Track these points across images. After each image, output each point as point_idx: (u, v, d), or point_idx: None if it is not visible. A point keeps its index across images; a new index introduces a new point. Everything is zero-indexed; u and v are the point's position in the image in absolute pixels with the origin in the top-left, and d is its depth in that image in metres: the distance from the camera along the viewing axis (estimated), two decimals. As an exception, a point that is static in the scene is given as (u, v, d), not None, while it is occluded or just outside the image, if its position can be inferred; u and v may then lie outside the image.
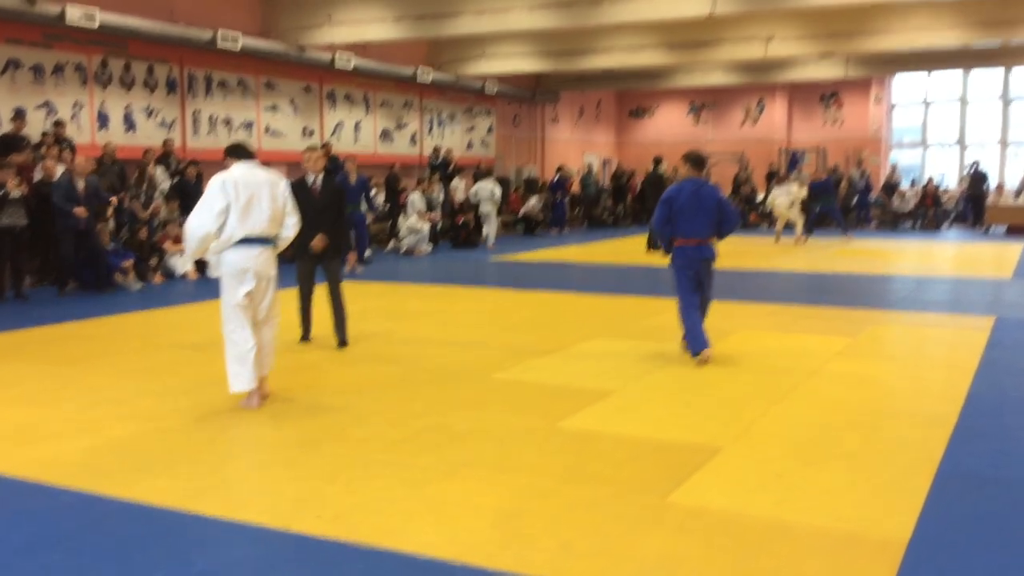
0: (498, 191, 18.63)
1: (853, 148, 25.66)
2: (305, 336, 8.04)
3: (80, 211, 10.86)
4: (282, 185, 5.85)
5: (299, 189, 7.08)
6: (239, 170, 5.68)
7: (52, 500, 4.19)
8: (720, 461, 4.70)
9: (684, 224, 7.14)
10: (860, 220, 22.83)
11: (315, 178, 7.55)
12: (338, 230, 7.68)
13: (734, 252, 16.76)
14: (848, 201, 23.12)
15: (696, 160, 7.35)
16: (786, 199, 18.37)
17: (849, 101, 26.11)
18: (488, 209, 18.30)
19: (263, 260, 5.71)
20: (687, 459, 4.70)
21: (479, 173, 19.90)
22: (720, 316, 9.31)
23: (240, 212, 5.54)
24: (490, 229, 18.28)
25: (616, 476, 4.48)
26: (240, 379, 5.66)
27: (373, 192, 16.30)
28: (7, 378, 6.67)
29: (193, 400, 5.94)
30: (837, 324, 8.86)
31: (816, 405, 5.87)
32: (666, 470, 4.54)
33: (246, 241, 5.61)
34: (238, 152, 5.81)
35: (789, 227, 18.69)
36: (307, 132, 17.69)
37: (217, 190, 5.54)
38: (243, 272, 5.63)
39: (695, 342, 7.08)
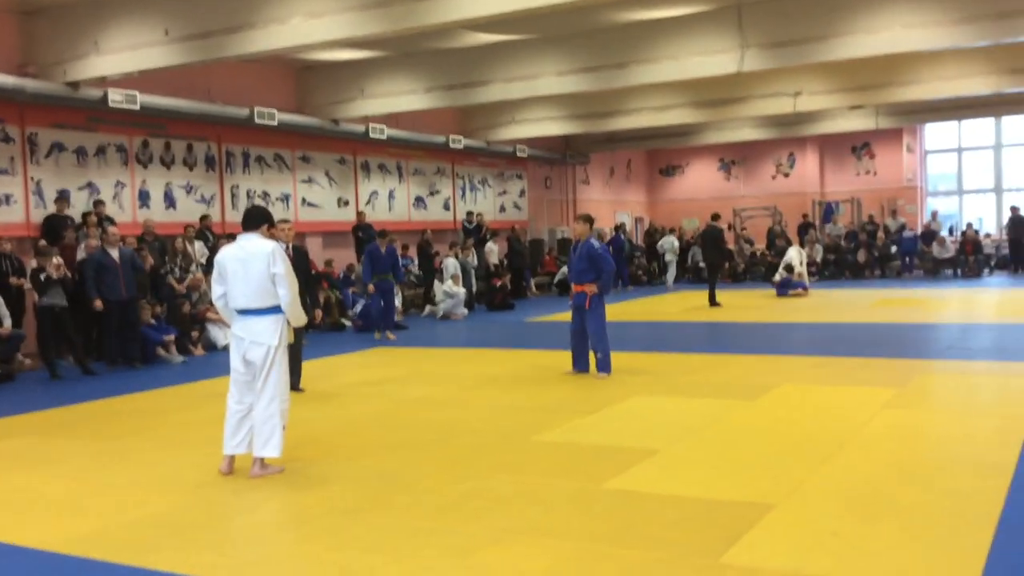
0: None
1: (887, 197, 25.51)
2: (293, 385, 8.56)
3: (98, 303, 11.03)
4: (264, 258, 5.76)
5: None
6: (230, 247, 6.00)
7: (103, 575, 4.18)
8: (773, 519, 4.58)
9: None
10: (904, 269, 22.59)
11: (287, 247, 8.52)
12: (303, 290, 8.34)
13: (772, 306, 16.62)
14: (886, 250, 22.93)
15: (590, 220, 9.56)
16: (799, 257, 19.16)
17: (881, 151, 26.03)
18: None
19: (255, 330, 5.80)
20: (739, 518, 4.59)
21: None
22: (762, 370, 9.21)
23: (228, 283, 5.86)
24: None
25: (666, 537, 4.38)
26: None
27: (405, 262, 16.49)
28: (54, 454, 6.73)
29: (236, 470, 5.93)
30: (883, 375, 8.70)
31: (868, 458, 5.73)
32: (718, 530, 4.43)
33: (240, 312, 5.86)
34: (243, 223, 6.09)
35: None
36: (343, 203, 17.95)
37: (215, 262, 6.00)
38: (236, 339, 5.92)
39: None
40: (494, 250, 19.96)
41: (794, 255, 19.12)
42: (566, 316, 9.56)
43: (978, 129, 25.33)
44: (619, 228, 23.36)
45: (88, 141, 13.43)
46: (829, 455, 5.81)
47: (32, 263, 11.42)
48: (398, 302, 16.01)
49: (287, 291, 5.83)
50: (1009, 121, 24.71)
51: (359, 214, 17.67)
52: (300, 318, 6.05)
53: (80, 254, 12.05)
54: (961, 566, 3.86)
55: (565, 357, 9.57)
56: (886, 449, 5.94)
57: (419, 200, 20.12)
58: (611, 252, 22.29)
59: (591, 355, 9.29)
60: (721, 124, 22.98)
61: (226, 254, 5.93)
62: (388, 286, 13.60)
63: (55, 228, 12.36)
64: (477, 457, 6.14)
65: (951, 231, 23.94)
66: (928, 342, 11.43)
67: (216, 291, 5.98)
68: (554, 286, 21.56)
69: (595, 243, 9.34)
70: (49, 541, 4.66)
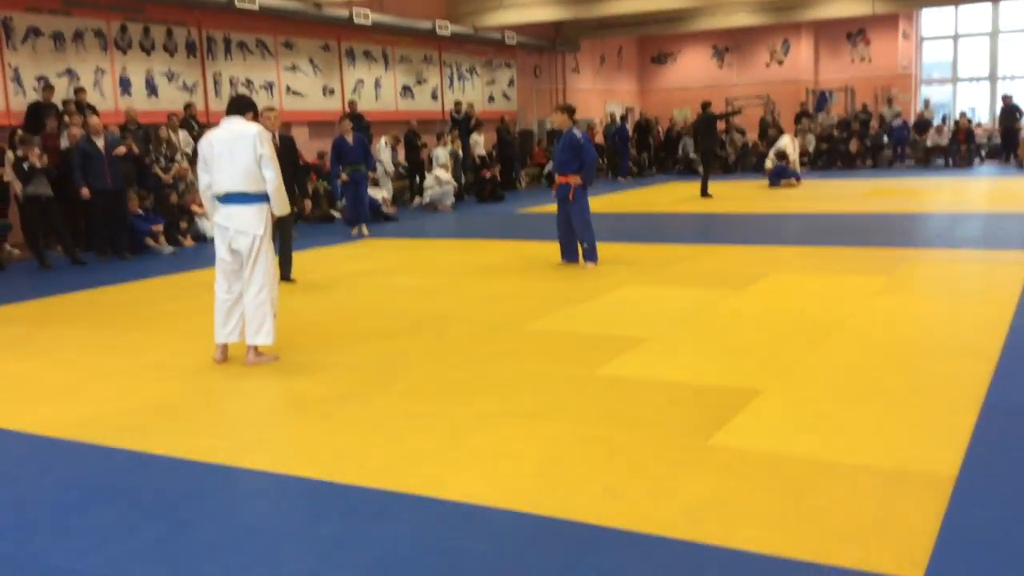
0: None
1: (882, 86, 25.17)
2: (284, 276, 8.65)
3: (84, 192, 10.90)
4: (249, 139, 5.67)
5: None
6: (215, 130, 5.88)
7: (100, 459, 4.24)
8: (761, 403, 4.67)
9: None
10: (896, 158, 22.46)
11: (274, 135, 8.28)
12: (291, 180, 8.23)
13: (763, 197, 16.59)
14: (878, 139, 22.76)
15: (570, 110, 9.29)
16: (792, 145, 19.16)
17: (876, 38, 25.55)
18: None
19: (241, 218, 5.73)
20: (727, 402, 4.67)
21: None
22: (752, 260, 9.25)
23: (213, 169, 5.75)
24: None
25: (657, 420, 4.47)
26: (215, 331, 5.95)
27: (387, 151, 16.25)
28: (48, 343, 6.76)
29: (230, 358, 5.97)
30: (872, 264, 8.75)
31: (855, 344, 5.81)
32: (707, 413, 4.52)
33: (224, 198, 5.76)
34: (227, 108, 5.99)
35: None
36: (328, 91, 17.59)
37: (199, 148, 5.90)
38: (220, 228, 5.82)
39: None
40: (479, 141, 19.69)
41: (787, 142, 18.99)
42: (555, 207, 9.51)
43: (975, 15, 24.83)
44: (623, 118, 23.14)
45: (65, 26, 13.02)
46: (817, 341, 5.89)
47: (8, 154, 11.21)
48: (387, 194, 15.90)
49: (273, 173, 5.72)
50: (1007, 7, 24.20)
51: (350, 103, 17.31)
52: (285, 205, 5.92)
53: (63, 142, 11.84)
54: (945, 447, 3.96)
55: (555, 248, 9.58)
56: (874, 335, 6.02)
57: (406, 89, 19.73)
58: (616, 142, 22.36)
59: (579, 245, 9.29)
60: (714, 9, 22.42)
61: (211, 136, 5.82)
62: (359, 177, 12.88)
63: (40, 116, 12.09)
64: (470, 345, 6.20)
65: (944, 120, 23.74)
66: (918, 231, 11.47)
67: (203, 180, 5.86)
68: (543, 178, 21.40)
69: (576, 133, 9.15)
70: (47, 426, 4.72)
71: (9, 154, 11.14)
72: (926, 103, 24.08)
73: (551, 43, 23.99)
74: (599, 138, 23.42)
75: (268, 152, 5.70)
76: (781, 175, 18.28)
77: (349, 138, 12.76)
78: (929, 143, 22.35)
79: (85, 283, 9.45)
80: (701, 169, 17.16)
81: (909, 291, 7.65)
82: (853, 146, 22.64)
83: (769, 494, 3.54)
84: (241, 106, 5.94)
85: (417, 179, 17.58)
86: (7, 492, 3.91)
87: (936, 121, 23.18)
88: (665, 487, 3.65)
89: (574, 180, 9.05)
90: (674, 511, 3.42)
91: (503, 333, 6.51)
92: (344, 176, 12.80)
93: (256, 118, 6.05)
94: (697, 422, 4.40)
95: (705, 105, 17.32)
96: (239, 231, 5.74)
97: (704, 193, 16.44)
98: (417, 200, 17.27)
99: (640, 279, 8.43)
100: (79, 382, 5.62)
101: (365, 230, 13.06)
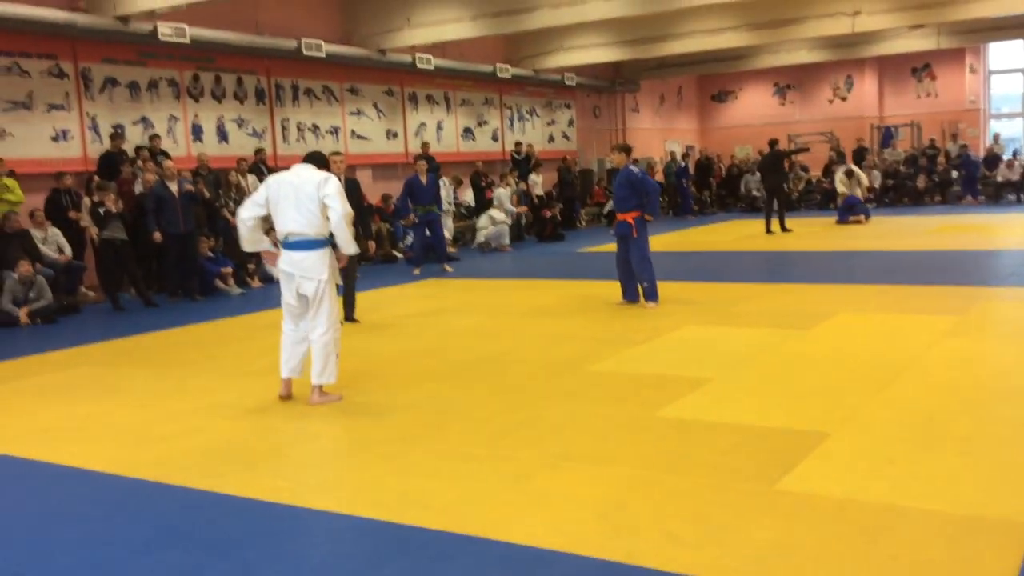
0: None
1: (948, 120, 24.71)
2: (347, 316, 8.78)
3: (157, 236, 11.22)
4: (314, 184, 5.78)
5: None
6: (284, 173, 6.03)
7: (169, 499, 4.33)
8: (828, 447, 4.56)
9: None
10: (966, 194, 21.90)
11: (340, 178, 8.29)
12: (356, 221, 8.18)
13: (829, 234, 16.35)
14: (946, 175, 22.28)
15: (627, 148, 9.42)
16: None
17: (942, 72, 25.15)
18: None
19: (305, 265, 5.85)
20: (793, 446, 4.58)
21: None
22: (817, 298, 9.10)
23: (275, 210, 5.88)
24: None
25: (721, 464, 4.40)
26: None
27: (445, 190, 16.45)
28: (121, 383, 6.94)
29: (295, 397, 6.06)
30: (943, 303, 8.54)
31: (926, 387, 5.66)
32: (772, 457, 4.44)
33: (287, 243, 5.89)
34: (305, 158, 6.14)
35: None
36: (391, 135, 17.91)
37: (262, 185, 6.04)
38: (286, 275, 5.96)
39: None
40: (537, 182, 19.79)
41: (856, 169, 18.93)
42: (615, 247, 9.50)
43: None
44: (684, 156, 23.21)
45: (140, 75, 13.53)
46: (886, 384, 5.75)
47: (85, 200, 11.63)
48: (448, 234, 16.05)
49: (337, 210, 5.78)
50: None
51: (423, 145, 17.59)
52: (351, 243, 6.03)
53: (138, 188, 12.24)
54: (1019, 494, 3.82)
55: (615, 287, 9.55)
56: (945, 378, 5.87)
57: (467, 131, 20.00)
58: (675, 180, 22.44)
59: (639, 285, 9.25)
60: (776, 47, 22.34)
61: (280, 178, 5.97)
62: (432, 217, 13.32)
63: (112, 164, 12.53)
64: (531, 386, 6.20)
65: (1014, 155, 23.16)
66: (990, 269, 11.17)
67: (248, 211, 5.95)
68: (603, 217, 21.41)
69: (634, 169, 9.22)
70: (118, 465, 4.83)
71: (86, 199, 11.56)
72: (995, 137, 23.56)
73: (610, 83, 24.12)
74: (659, 176, 23.36)
75: (332, 191, 5.81)
76: (851, 209, 17.95)
77: (423, 179, 13.07)
78: (999, 178, 21.81)
79: (156, 324, 9.70)
80: (765, 206, 17.03)
81: (982, 331, 7.44)
82: (920, 182, 22.20)
83: (838, 541, 3.46)
84: (315, 159, 6.13)
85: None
86: (77, 531, 4.01)
87: (1006, 156, 22.63)
88: (731, 533, 3.58)
89: (647, 216, 9.07)
90: (740, 558, 3.35)
91: (563, 374, 6.50)
92: (413, 218, 13.20)
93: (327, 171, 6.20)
94: (763, 466, 4.32)
95: (772, 143, 17.19)
96: (304, 277, 5.88)
97: (781, 229, 16.41)
98: (476, 242, 17.38)
99: (702, 319, 8.35)
100: (149, 422, 5.75)
101: (447, 267, 13.38)
